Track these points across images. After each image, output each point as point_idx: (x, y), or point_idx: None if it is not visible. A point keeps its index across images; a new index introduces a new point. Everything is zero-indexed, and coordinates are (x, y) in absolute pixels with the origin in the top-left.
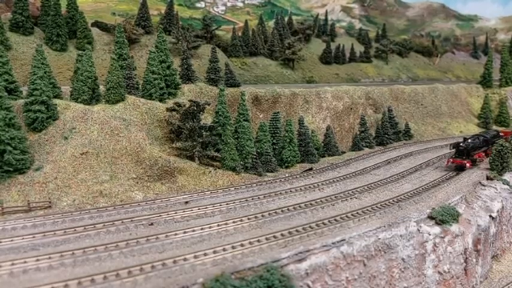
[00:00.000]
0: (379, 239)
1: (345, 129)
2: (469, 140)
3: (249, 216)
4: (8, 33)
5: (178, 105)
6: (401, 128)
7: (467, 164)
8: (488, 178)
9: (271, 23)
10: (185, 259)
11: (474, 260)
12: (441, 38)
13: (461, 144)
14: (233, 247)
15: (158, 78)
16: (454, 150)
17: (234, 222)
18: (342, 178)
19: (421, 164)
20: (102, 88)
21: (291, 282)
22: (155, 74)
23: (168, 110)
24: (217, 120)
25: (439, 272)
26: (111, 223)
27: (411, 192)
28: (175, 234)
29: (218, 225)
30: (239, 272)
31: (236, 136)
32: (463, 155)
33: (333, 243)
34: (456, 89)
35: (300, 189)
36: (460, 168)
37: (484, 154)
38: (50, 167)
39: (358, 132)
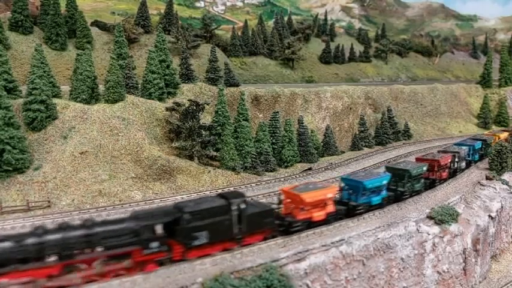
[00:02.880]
0: (378, 238)
1: (344, 129)
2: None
3: None
4: (7, 32)
5: (177, 104)
6: (400, 128)
7: None
8: (487, 178)
9: (270, 23)
10: None
11: (473, 259)
12: (440, 38)
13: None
14: None
15: (157, 78)
16: None
17: None
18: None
19: None
20: (101, 87)
21: (290, 282)
22: (154, 74)
23: (167, 109)
24: (216, 119)
25: (438, 272)
26: None
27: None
28: None
29: None
30: (238, 272)
31: (235, 136)
32: None
33: (332, 242)
34: (455, 89)
35: None
36: None
37: None
38: (49, 166)
39: (357, 132)
